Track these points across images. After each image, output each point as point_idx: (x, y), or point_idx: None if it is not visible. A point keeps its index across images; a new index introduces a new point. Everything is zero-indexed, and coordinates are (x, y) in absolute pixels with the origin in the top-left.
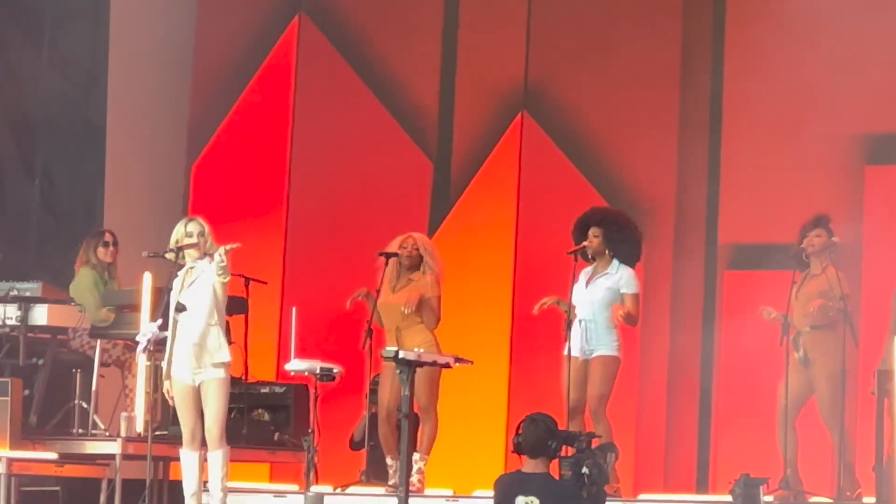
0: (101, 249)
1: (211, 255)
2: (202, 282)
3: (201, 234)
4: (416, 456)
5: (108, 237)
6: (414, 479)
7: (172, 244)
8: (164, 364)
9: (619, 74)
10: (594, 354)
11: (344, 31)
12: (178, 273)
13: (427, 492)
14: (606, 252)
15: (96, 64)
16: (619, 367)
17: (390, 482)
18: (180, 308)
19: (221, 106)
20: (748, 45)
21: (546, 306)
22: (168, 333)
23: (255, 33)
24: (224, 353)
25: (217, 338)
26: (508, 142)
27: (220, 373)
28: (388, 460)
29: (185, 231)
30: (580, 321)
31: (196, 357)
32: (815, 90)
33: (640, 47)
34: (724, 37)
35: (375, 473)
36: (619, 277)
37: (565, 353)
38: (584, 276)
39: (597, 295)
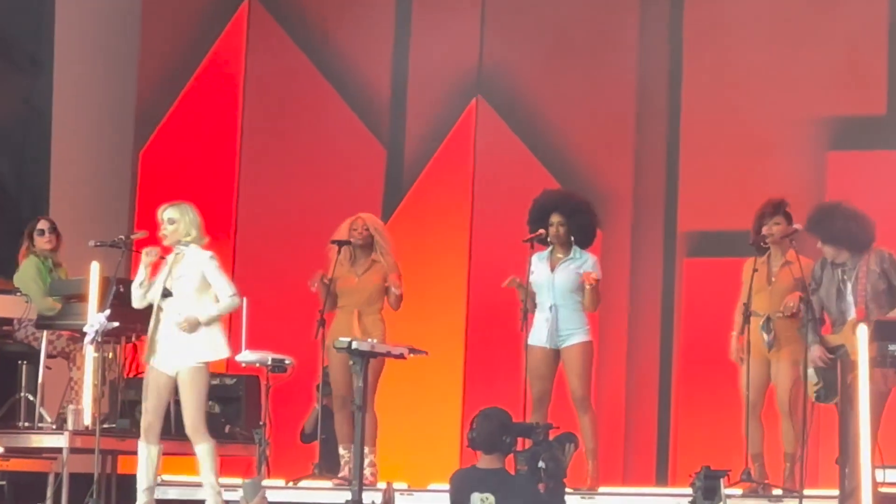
0: (37, 238)
1: (187, 243)
2: (187, 275)
3: (171, 221)
4: (365, 450)
5: (42, 224)
6: (367, 472)
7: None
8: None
9: (576, 58)
10: (568, 343)
11: (294, 14)
12: (168, 258)
13: (380, 485)
14: (570, 238)
15: (41, 49)
16: (594, 350)
17: (340, 474)
18: (166, 293)
19: (170, 91)
20: (707, 30)
21: (510, 285)
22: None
23: (203, 17)
24: (208, 353)
25: (204, 334)
26: (463, 127)
27: (201, 365)
28: (341, 450)
29: (160, 218)
30: (551, 307)
31: (177, 348)
32: (775, 74)
33: (596, 30)
34: (681, 20)
35: (328, 466)
36: (584, 262)
37: (529, 342)
38: (541, 261)
39: (566, 279)
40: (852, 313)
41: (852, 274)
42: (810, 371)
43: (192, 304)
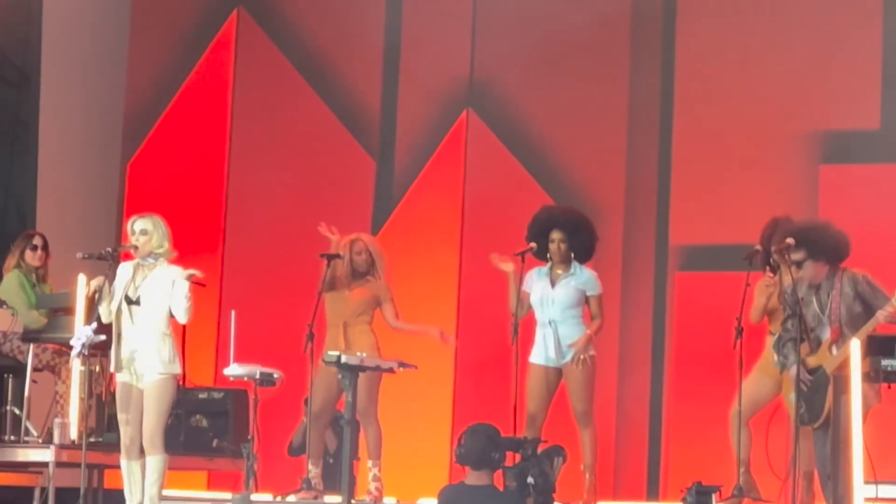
0: (29, 253)
1: (157, 256)
2: (157, 286)
3: (144, 232)
4: (369, 464)
5: (37, 240)
6: (371, 486)
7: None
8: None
9: (567, 70)
10: (570, 358)
11: (284, 25)
12: (128, 266)
13: (387, 500)
14: (570, 255)
15: (28, 59)
16: (596, 363)
17: (302, 489)
18: (131, 301)
19: (158, 102)
20: (699, 42)
21: (502, 265)
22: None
23: (192, 27)
24: (176, 366)
25: (171, 348)
26: (453, 139)
27: (168, 377)
28: (310, 465)
29: (131, 229)
30: (550, 322)
31: (145, 359)
32: (768, 88)
33: (588, 44)
34: (674, 33)
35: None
36: (585, 279)
37: (531, 360)
38: (540, 277)
39: (566, 295)
40: (827, 334)
41: (827, 298)
42: (791, 396)
43: (162, 315)
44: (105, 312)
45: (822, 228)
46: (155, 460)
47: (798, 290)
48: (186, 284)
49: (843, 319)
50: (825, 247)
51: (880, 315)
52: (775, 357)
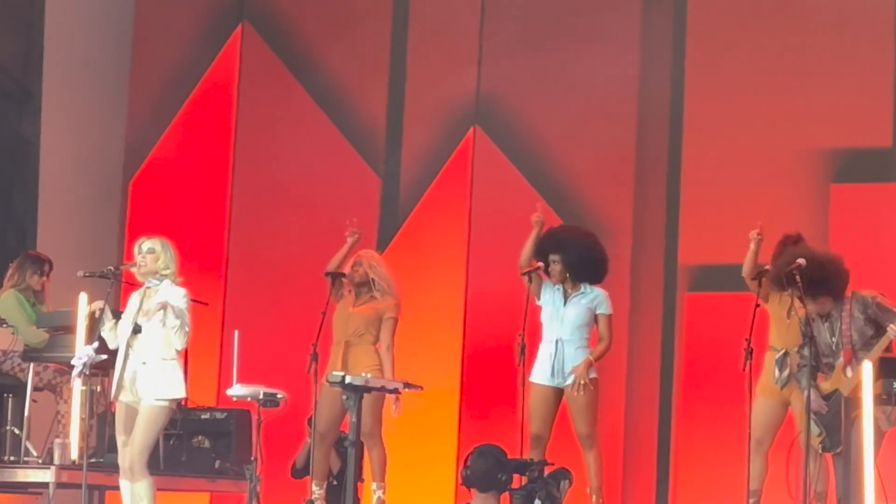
0: (35, 277)
1: (163, 278)
2: (174, 324)
3: (151, 251)
4: (373, 486)
5: (46, 267)
6: None
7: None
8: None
9: (575, 88)
10: (570, 382)
11: (289, 41)
12: (135, 296)
13: None
14: (568, 276)
15: (29, 76)
16: (598, 385)
17: None
18: (137, 330)
19: (161, 119)
20: (709, 61)
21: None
22: (119, 356)
23: (195, 43)
24: (177, 389)
25: (173, 371)
26: (460, 157)
27: (164, 402)
28: (313, 487)
29: (138, 248)
30: (557, 341)
31: (144, 381)
32: (779, 105)
33: (596, 60)
34: (683, 52)
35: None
36: (595, 297)
37: (532, 379)
38: (555, 292)
39: (577, 314)
40: (840, 358)
41: (837, 324)
42: (803, 420)
43: (160, 341)
44: (110, 338)
45: (811, 262)
46: (140, 486)
47: (811, 324)
48: (179, 308)
49: (856, 345)
50: (816, 281)
51: (891, 332)
52: (776, 373)
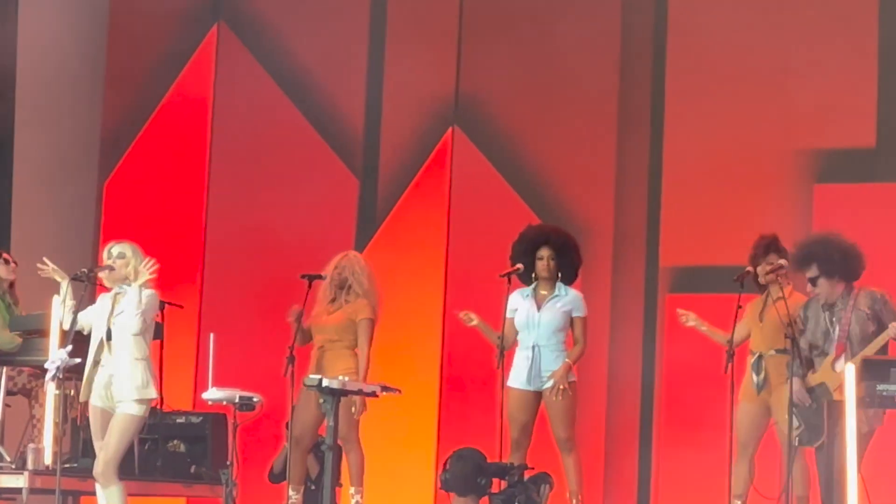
0: (2, 267)
1: (132, 283)
2: (128, 312)
3: (121, 255)
4: (351, 490)
5: (6, 256)
6: None
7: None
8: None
9: (555, 88)
10: (550, 384)
11: (266, 41)
12: (106, 298)
13: None
14: (558, 274)
15: (3, 76)
16: (576, 389)
17: None
18: (109, 336)
19: (136, 120)
20: (691, 60)
21: (469, 324)
22: (89, 359)
23: (171, 43)
24: (150, 391)
25: (144, 372)
26: (438, 158)
27: (138, 408)
28: (291, 492)
29: (108, 253)
30: (533, 346)
31: (117, 386)
32: (761, 105)
33: (576, 59)
34: (664, 51)
35: None
36: (571, 299)
37: (509, 384)
38: (524, 299)
39: (552, 318)
40: (831, 352)
41: (841, 315)
42: (785, 416)
43: (129, 345)
44: (62, 313)
45: (829, 242)
46: (111, 493)
47: (808, 308)
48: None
49: (855, 339)
50: (836, 260)
51: (891, 330)
52: (753, 377)
